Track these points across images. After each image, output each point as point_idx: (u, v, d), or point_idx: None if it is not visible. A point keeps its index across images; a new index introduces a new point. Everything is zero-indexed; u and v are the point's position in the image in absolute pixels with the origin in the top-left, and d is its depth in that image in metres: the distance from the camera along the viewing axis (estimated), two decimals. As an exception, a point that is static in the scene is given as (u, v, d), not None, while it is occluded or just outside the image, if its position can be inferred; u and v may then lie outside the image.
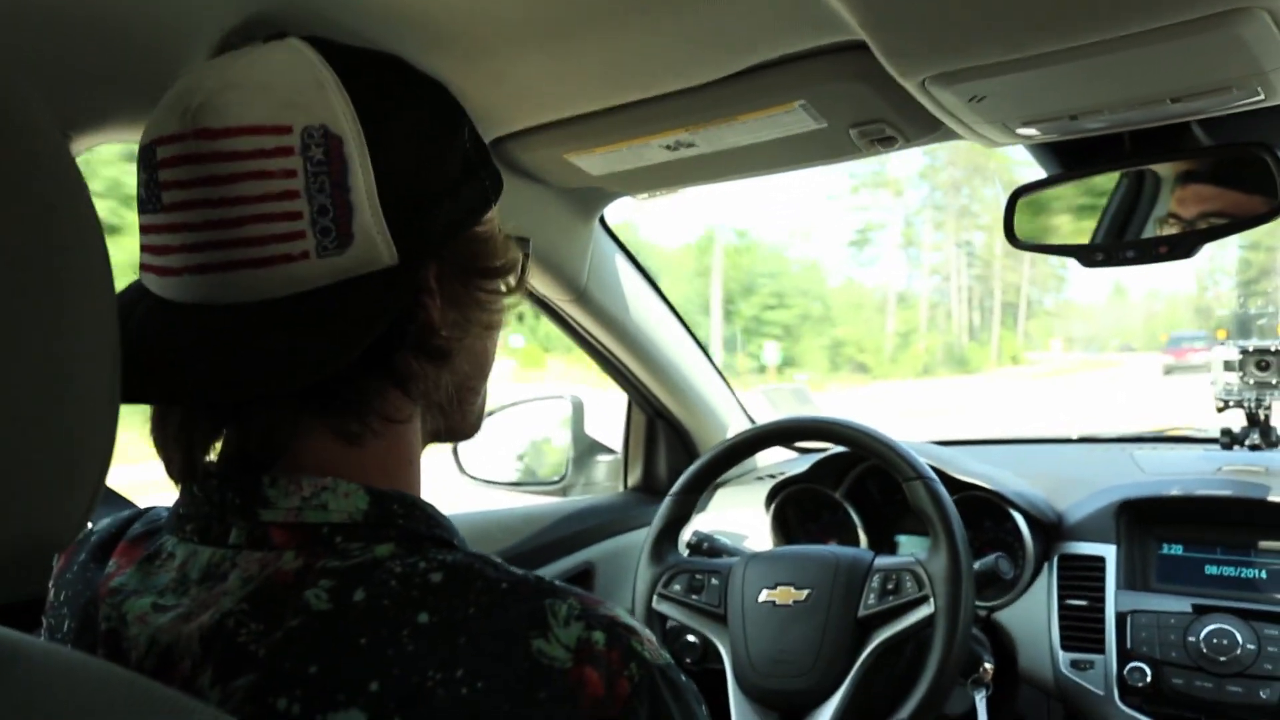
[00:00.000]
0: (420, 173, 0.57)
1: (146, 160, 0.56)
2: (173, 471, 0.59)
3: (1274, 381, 1.35)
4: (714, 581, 1.28)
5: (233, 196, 0.52)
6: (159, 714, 0.40)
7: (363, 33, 0.84)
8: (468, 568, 0.54)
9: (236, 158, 0.53)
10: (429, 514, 0.59)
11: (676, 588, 1.29)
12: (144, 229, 0.57)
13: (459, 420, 0.67)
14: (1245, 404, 1.39)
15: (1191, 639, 1.20)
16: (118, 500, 0.96)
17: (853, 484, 1.60)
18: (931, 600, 1.12)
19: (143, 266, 0.58)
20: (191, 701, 0.42)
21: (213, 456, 0.58)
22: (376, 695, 0.47)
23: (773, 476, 1.69)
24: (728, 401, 1.81)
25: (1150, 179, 1.11)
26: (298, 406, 0.55)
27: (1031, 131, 0.95)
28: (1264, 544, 1.28)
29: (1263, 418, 1.41)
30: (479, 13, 0.82)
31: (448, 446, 1.84)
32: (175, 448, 0.58)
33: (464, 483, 1.83)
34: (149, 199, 0.56)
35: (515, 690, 0.49)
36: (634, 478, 1.83)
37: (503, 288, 0.65)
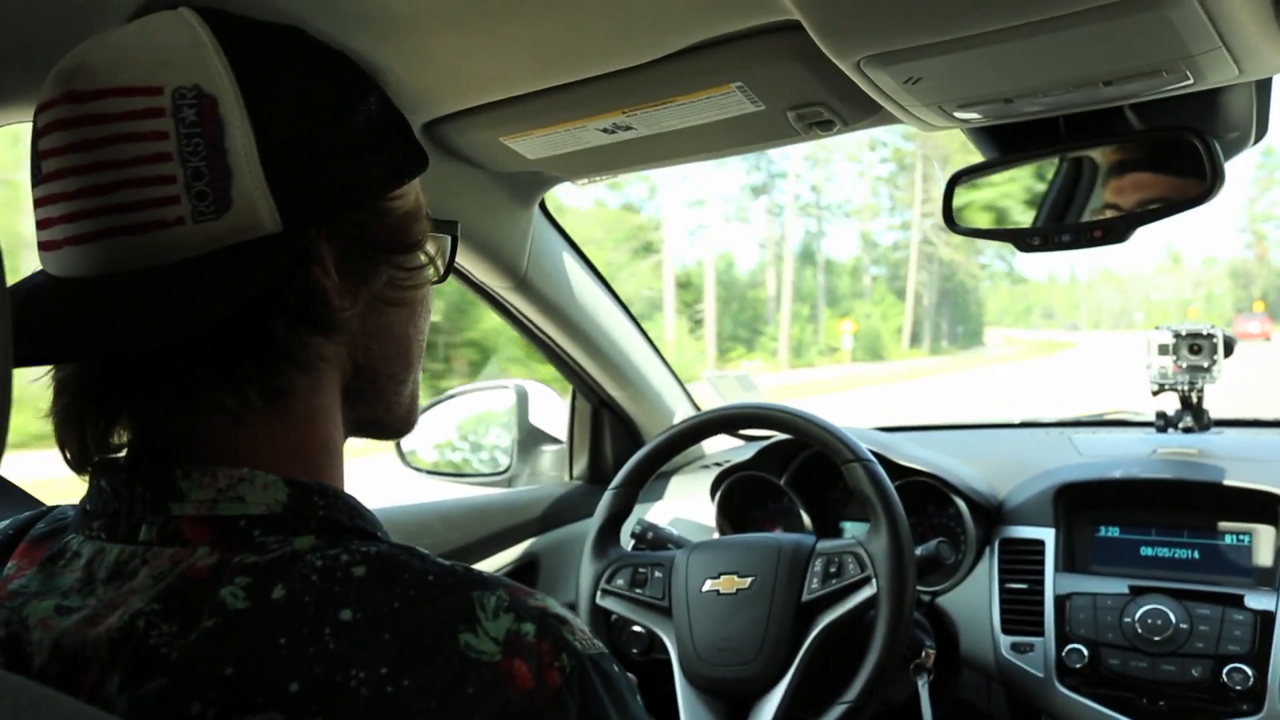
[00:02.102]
0: (309, 138, 0.55)
1: (32, 131, 0.54)
2: (69, 460, 0.57)
3: (1205, 365, 1.37)
4: (657, 574, 1.27)
5: (105, 161, 0.51)
6: None
7: (285, 12, 0.81)
8: (393, 559, 0.52)
9: (106, 120, 0.51)
10: (350, 504, 0.57)
11: (620, 582, 1.28)
12: (34, 205, 0.55)
13: (383, 411, 0.65)
14: (1179, 387, 1.41)
15: (1127, 619, 1.22)
16: (25, 499, 0.92)
17: (797, 471, 1.59)
18: (874, 581, 1.12)
19: (38, 245, 0.56)
20: (96, 712, 0.39)
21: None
22: (296, 696, 0.45)
23: (719, 465, 1.68)
24: (673, 390, 1.80)
25: (1088, 167, 1.12)
26: (179, 381, 0.53)
27: (968, 115, 0.95)
28: (1195, 524, 1.30)
29: (1195, 400, 1.43)
30: None
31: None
32: (67, 430, 0.56)
33: (407, 475, 1.80)
34: (34, 171, 0.54)
35: (442, 687, 0.47)
36: (579, 468, 1.81)
37: (419, 263, 0.62)
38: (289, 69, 0.56)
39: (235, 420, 0.54)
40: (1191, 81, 0.83)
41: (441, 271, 0.67)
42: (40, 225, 0.54)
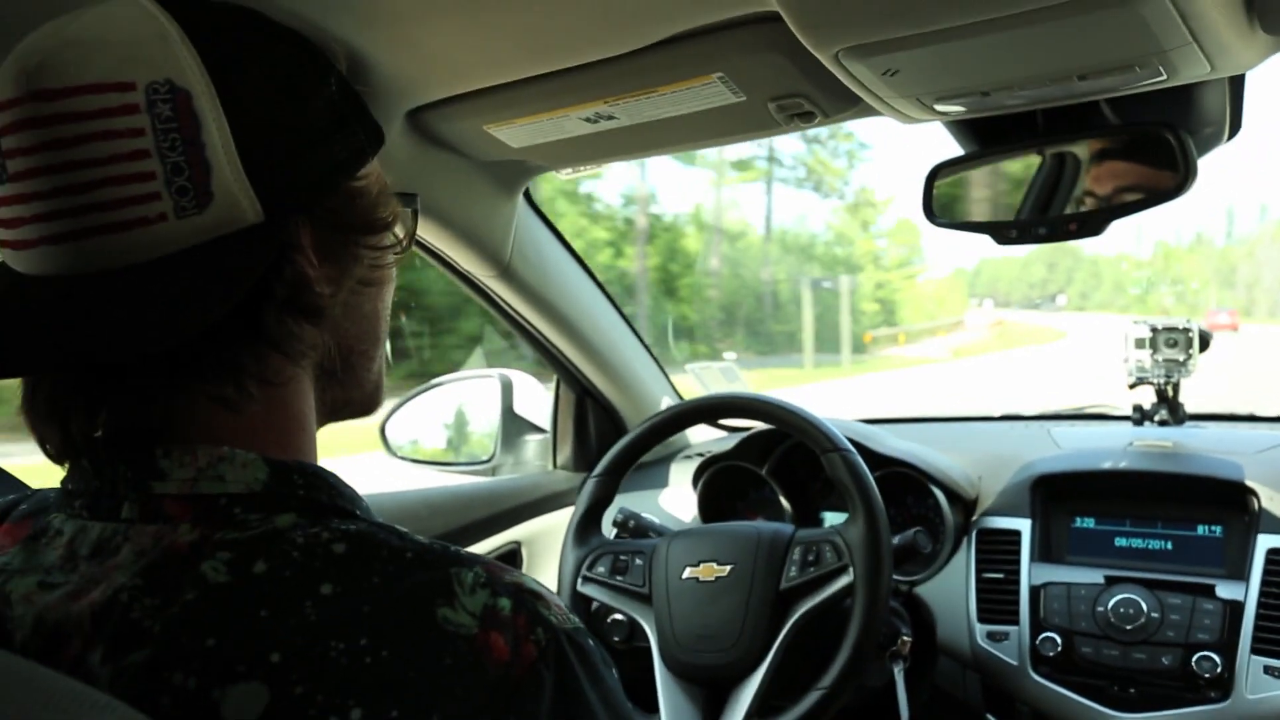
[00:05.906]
0: (282, 125, 0.55)
1: None
2: (49, 450, 0.57)
3: (1181, 359, 1.39)
4: (638, 561, 1.28)
5: (80, 160, 0.50)
6: (40, 699, 0.38)
7: None
8: (371, 537, 0.53)
9: (79, 119, 0.50)
10: (330, 483, 0.58)
11: (601, 569, 1.29)
12: None
13: (354, 389, 0.66)
14: (1155, 381, 1.43)
15: (1100, 609, 1.23)
16: (11, 482, 0.92)
17: (778, 461, 1.61)
18: (850, 569, 1.14)
19: (2, 244, 0.55)
20: (76, 684, 0.40)
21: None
22: (278, 666, 0.46)
23: (701, 455, 1.69)
24: (657, 380, 1.80)
25: (1070, 160, 1.13)
26: (171, 374, 0.53)
27: (947, 108, 0.96)
28: (1169, 516, 1.32)
29: (1171, 394, 1.45)
30: None
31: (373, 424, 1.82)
32: (49, 425, 0.55)
33: (393, 463, 1.80)
34: None
35: (420, 658, 0.48)
36: (563, 456, 1.82)
37: (387, 242, 0.63)
38: (255, 55, 0.56)
39: (228, 409, 0.55)
40: (1164, 77, 0.84)
41: (405, 244, 0.67)
42: (6, 224, 0.53)
